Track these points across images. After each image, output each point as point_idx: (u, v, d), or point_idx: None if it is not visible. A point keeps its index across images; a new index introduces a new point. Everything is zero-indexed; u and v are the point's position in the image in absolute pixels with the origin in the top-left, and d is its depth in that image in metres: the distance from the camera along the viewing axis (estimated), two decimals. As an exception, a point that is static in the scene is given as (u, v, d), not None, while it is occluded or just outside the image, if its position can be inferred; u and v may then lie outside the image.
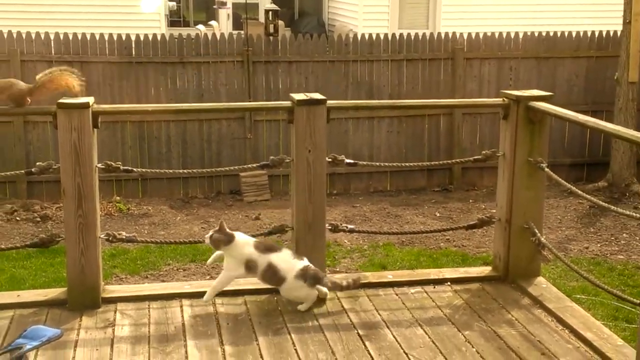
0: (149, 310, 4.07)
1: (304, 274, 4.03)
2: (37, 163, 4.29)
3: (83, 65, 8.83)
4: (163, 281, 6.29)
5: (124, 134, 8.89)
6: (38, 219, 7.76)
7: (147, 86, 9.08)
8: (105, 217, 7.86)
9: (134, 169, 4.66)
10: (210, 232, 4.05)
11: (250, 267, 4.00)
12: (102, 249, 6.41)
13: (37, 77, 4.17)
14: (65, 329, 3.79)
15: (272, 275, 4.02)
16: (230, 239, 3.99)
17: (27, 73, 8.66)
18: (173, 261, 6.85)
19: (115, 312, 4.04)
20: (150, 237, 7.24)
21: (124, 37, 8.99)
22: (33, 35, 8.76)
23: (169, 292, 4.33)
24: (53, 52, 8.79)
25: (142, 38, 9.06)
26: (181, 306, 4.12)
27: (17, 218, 7.85)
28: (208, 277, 6.32)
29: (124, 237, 4.34)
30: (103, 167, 4.25)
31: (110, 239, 4.29)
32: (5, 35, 8.71)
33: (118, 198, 8.41)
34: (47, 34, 8.84)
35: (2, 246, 6.04)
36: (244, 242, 4.04)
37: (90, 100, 4.11)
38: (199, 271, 6.61)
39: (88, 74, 8.83)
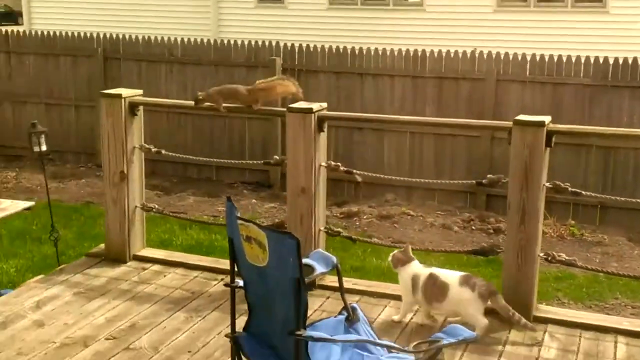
0: (579, 339, 3.91)
1: (468, 281, 3.86)
2: (488, 175, 4.47)
3: (555, 86, 8.86)
4: (608, 314, 5.93)
5: (588, 158, 8.63)
6: (491, 231, 8.03)
7: (620, 111, 8.65)
8: (556, 239, 7.76)
9: (586, 193, 4.45)
10: (395, 251, 4.11)
11: (414, 284, 3.95)
12: (547, 271, 6.41)
13: (257, 82, 4.53)
14: (494, 338, 3.88)
15: (433, 284, 3.89)
16: (408, 261, 4.02)
17: (500, 92, 9.05)
18: (622, 296, 6.42)
19: (544, 333, 3.99)
20: (601, 266, 6.89)
21: (601, 60, 8.73)
22: (510, 57, 9.08)
23: (604, 324, 4.10)
24: (528, 72, 8.99)
25: (620, 61, 8.68)
26: (615, 342, 3.88)
27: (472, 227, 8.24)
28: (656, 319, 5.78)
29: (563, 259, 4.26)
30: (551, 186, 4.22)
31: (549, 258, 4.24)
32: (485, 56, 9.21)
33: (573, 222, 8.22)
34: (524, 55, 9.07)
35: (448, 249, 6.40)
36: (416, 264, 4.03)
37: (547, 119, 4.13)
38: (651, 311, 6.08)
39: (560, 95, 8.84)
